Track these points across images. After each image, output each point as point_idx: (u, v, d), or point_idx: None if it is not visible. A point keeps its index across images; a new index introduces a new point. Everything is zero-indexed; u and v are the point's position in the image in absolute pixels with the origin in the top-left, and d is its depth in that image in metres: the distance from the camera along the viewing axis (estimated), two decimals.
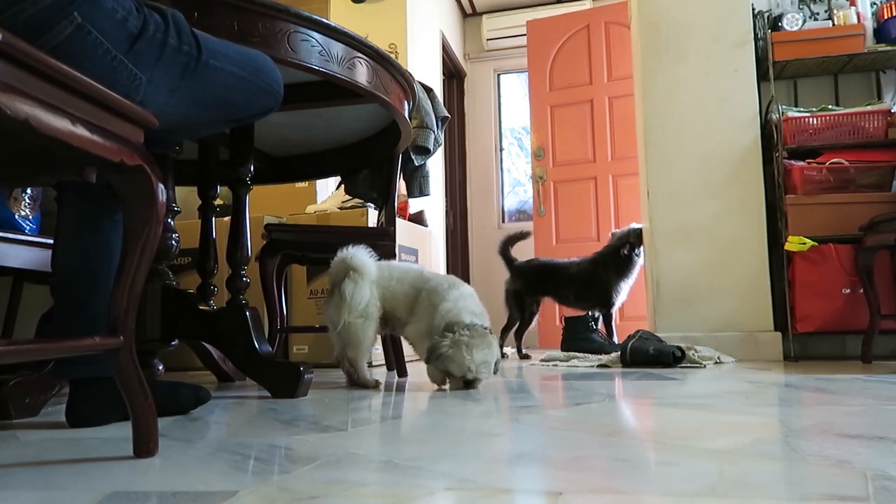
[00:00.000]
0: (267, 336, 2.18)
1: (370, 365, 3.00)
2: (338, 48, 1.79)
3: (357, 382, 2.08)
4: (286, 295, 2.82)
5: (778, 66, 3.12)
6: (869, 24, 3.11)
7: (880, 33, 3.09)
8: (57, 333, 1.33)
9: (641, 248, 3.48)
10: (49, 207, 2.51)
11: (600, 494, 0.76)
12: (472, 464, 0.97)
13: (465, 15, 6.07)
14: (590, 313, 3.58)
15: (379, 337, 2.68)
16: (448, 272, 5.18)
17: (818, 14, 3.33)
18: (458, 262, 5.87)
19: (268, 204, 3.42)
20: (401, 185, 2.99)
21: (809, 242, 2.88)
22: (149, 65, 1.13)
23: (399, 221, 2.95)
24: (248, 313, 1.88)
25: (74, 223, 1.32)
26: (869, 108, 3.02)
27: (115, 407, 1.32)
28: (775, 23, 3.21)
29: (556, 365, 2.95)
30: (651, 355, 2.67)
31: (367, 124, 2.41)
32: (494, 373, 1.96)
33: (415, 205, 3.99)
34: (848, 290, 2.87)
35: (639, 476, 0.88)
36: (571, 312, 3.70)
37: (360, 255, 2.06)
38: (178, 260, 2.97)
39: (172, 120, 1.21)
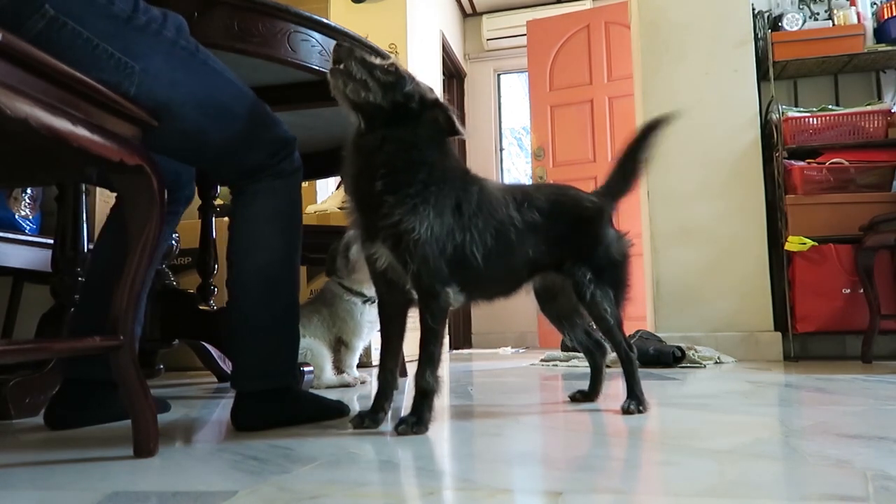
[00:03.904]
0: None
1: (370, 365, 3.00)
2: None
3: None
4: None
5: (778, 66, 3.12)
6: (869, 24, 3.10)
7: (880, 33, 3.09)
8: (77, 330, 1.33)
9: None
10: (49, 207, 2.51)
11: (600, 494, 0.76)
12: (472, 464, 0.97)
13: (465, 15, 6.07)
14: None
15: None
16: None
17: (818, 14, 3.33)
18: None
19: None
20: None
21: (809, 242, 2.88)
22: (143, 53, 1.09)
23: None
24: None
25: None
26: (869, 108, 3.02)
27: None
28: (775, 23, 3.21)
29: (556, 365, 2.95)
30: (651, 355, 2.67)
31: None
32: None
33: None
34: (848, 290, 2.87)
35: (639, 476, 0.88)
36: None
37: None
38: (178, 260, 2.97)
39: (186, 127, 1.18)
